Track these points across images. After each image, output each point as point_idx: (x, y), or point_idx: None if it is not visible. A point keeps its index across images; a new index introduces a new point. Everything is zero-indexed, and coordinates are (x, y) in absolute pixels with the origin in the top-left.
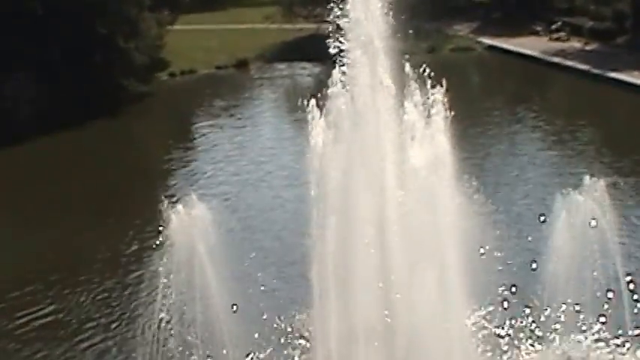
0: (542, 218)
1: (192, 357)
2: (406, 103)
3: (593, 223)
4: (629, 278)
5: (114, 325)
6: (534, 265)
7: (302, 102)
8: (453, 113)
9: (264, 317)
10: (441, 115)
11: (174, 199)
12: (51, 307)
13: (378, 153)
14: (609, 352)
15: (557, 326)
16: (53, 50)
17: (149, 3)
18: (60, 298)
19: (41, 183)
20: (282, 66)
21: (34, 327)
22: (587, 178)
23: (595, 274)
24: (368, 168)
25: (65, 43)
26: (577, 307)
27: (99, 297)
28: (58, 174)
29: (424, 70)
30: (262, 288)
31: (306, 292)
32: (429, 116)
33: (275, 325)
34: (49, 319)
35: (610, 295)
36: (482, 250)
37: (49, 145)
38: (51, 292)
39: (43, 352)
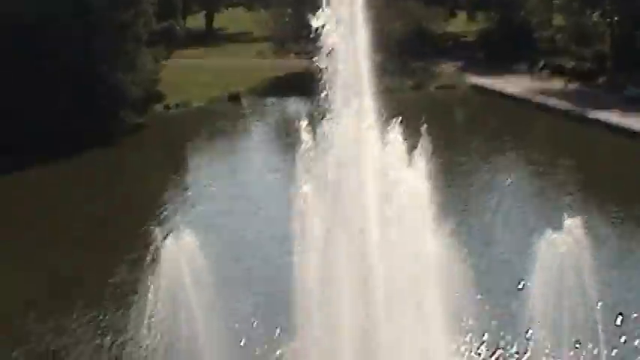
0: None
1: None
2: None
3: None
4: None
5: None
6: None
7: (290, 133)
8: (436, 147)
9: None
10: (422, 152)
11: (165, 226)
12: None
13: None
14: None
15: None
16: (53, 81)
17: (146, 38)
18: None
19: (32, 211)
20: (273, 100)
21: None
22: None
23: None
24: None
25: (66, 74)
26: None
27: (91, 322)
28: (51, 203)
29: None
30: None
31: None
32: (410, 153)
33: None
34: None
35: None
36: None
37: (44, 174)
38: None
39: None
